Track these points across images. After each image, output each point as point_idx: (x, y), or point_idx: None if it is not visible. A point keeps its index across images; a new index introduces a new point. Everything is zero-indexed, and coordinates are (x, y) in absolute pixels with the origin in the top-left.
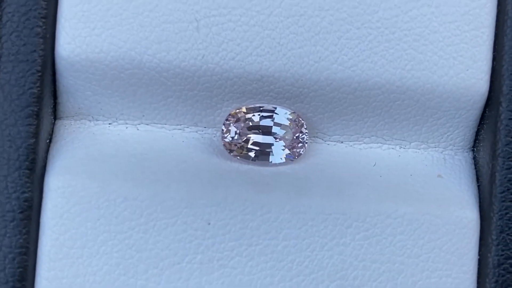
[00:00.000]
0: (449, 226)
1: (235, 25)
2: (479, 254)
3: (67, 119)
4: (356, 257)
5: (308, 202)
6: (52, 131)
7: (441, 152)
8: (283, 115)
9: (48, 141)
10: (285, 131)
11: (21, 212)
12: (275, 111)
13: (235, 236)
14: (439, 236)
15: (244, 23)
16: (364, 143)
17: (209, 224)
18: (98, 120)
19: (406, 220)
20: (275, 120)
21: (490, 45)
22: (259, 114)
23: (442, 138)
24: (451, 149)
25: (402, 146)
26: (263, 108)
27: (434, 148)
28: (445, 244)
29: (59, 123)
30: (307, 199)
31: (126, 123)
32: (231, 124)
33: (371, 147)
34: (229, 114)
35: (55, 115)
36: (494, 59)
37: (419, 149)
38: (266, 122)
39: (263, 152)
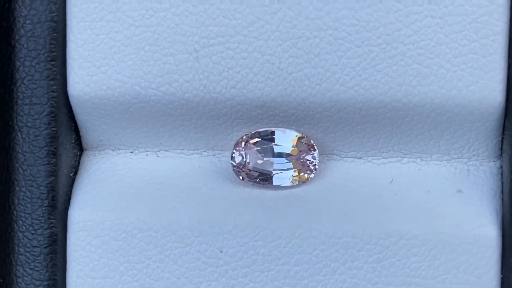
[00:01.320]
0: (466, 246)
1: (234, 52)
2: (502, 273)
3: (92, 149)
4: (369, 281)
5: (318, 226)
6: (79, 162)
7: (466, 163)
8: (291, 137)
9: (72, 174)
10: (294, 154)
11: (46, 247)
12: (284, 134)
13: (247, 262)
14: (456, 256)
15: (242, 50)
16: (383, 157)
17: (221, 251)
18: (120, 150)
19: (420, 241)
20: (283, 143)
21: (504, 52)
22: (267, 138)
23: (463, 149)
24: (476, 159)
25: (423, 159)
26: (271, 131)
27: (457, 159)
28: (462, 264)
29: (85, 153)
30: (317, 224)
31: (147, 151)
32: (240, 151)
33: (390, 162)
34: (237, 142)
35: (81, 147)
36: (510, 67)
37: (441, 161)
38: (276, 147)
39: (272, 176)
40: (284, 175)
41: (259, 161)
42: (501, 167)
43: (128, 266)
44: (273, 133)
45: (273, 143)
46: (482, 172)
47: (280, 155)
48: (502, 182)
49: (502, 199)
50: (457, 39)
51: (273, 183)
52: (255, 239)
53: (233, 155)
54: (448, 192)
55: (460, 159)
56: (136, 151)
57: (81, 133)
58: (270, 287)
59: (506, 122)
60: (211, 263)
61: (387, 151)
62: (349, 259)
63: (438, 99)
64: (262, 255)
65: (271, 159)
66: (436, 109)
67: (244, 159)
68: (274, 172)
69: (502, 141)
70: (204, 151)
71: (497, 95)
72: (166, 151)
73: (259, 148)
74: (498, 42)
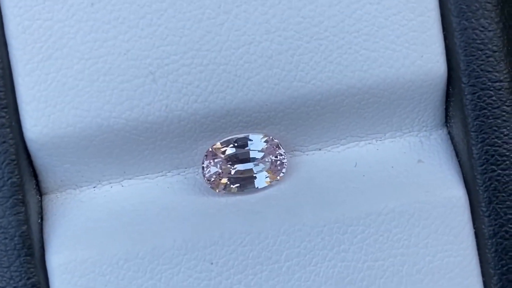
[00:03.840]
0: (439, 209)
1: (190, 68)
2: (474, 228)
3: (53, 193)
4: (358, 260)
5: (301, 220)
6: (41, 208)
7: (417, 135)
8: (257, 141)
9: (39, 220)
10: (263, 155)
11: None
12: (249, 138)
13: (239, 269)
14: (432, 220)
15: (198, 64)
16: (341, 145)
17: (211, 264)
18: (82, 187)
19: (397, 213)
20: (251, 148)
21: (439, 27)
22: (234, 145)
23: (414, 122)
24: (425, 130)
25: (378, 138)
26: (237, 138)
27: (409, 133)
28: (439, 226)
29: (46, 198)
30: (299, 218)
31: (110, 183)
32: (210, 162)
33: (348, 147)
34: (205, 153)
35: (40, 192)
36: (446, 38)
37: (394, 137)
38: (243, 151)
39: (246, 180)
40: (259, 178)
41: (235, 167)
42: (449, 133)
43: None
44: (243, 138)
45: (246, 148)
46: (434, 140)
47: (253, 159)
48: (454, 146)
49: (459, 161)
50: (396, 20)
51: (255, 186)
52: (242, 244)
53: (207, 168)
54: (409, 163)
55: (411, 133)
56: (99, 185)
57: (40, 178)
58: None
59: (450, 90)
60: (204, 277)
61: (345, 138)
62: (336, 244)
63: (389, 79)
64: (252, 258)
65: (245, 164)
66: (389, 89)
67: (217, 168)
68: (250, 176)
69: (446, 109)
70: (168, 172)
71: (440, 66)
72: (130, 179)
73: (233, 155)
74: (433, 18)
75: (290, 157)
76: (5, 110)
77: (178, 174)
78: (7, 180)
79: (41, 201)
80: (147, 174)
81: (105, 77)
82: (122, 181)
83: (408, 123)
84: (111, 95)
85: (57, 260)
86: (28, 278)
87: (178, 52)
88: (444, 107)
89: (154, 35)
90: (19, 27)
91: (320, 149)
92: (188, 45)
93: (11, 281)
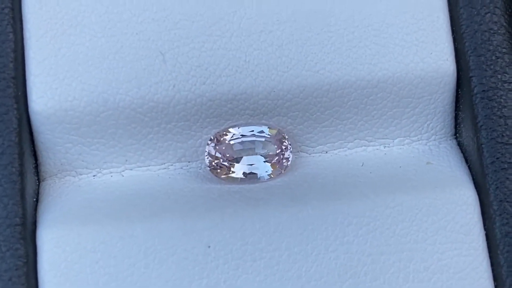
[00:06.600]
0: (449, 206)
1: (200, 51)
2: (485, 229)
3: (51, 178)
4: (363, 253)
5: (305, 207)
6: (38, 192)
7: (425, 144)
8: (263, 132)
9: (35, 199)
10: (268, 148)
11: (17, 269)
12: (254, 129)
13: (237, 254)
14: (441, 216)
15: (208, 48)
16: (348, 148)
17: (209, 247)
18: (82, 174)
19: (405, 207)
20: (256, 138)
21: (447, 27)
22: (239, 134)
23: (423, 128)
24: (435, 139)
25: (386, 145)
26: (243, 127)
27: (417, 141)
28: (448, 223)
29: (43, 184)
30: (303, 205)
31: (111, 172)
32: (213, 149)
33: (356, 152)
34: (210, 139)
35: (38, 177)
36: (455, 41)
37: (403, 144)
38: (248, 143)
39: (250, 171)
40: (263, 170)
41: (238, 158)
42: (459, 144)
43: (111, 277)
44: (247, 129)
45: (252, 138)
46: (443, 148)
47: (258, 150)
48: (464, 152)
49: (469, 164)
50: (406, 18)
51: (258, 177)
52: (242, 228)
53: (211, 152)
54: (418, 165)
55: (420, 141)
56: (100, 174)
57: (40, 160)
58: (264, 276)
59: (459, 92)
60: (200, 261)
61: (353, 141)
62: (340, 235)
63: (399, 73)
64: (251, 244)
65: (249, 157)
66: (398, 83)
67: (221, 155)
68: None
69: (455, 117)
70: (171, 165)
71: (450, 64)
72: (131, 170)
73: (237, 145)
74: (442, 18)
75: (296, 158)
76: (13, 80)
77: (181, 167)
78: (7, 147)
79: (38, 186)
80: (149, 166)
81: (115, 55)
82: (123, 171)
83: (417, 128)
84: (120, 72)
85: (49, 234)
86: (16, 249)
87: (190, 36)
88: (454, 115)
89: (167, 19)
90: (36, 2)
91: (326, 152)
92: (200, 30)
93: None
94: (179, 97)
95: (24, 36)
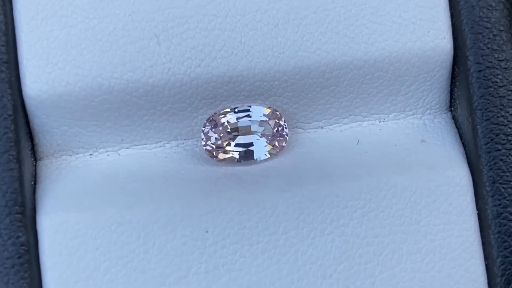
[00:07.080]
0: (442, 187)
1: (194, 32)
2: (477, 209)
3: (48, 158)
4: (358, 236)
5: (300, 191)
6: (35, 173)
7: (420, 118)
8: (259, 112)
9: (32, 183)
10: (264, 127)
11: (19, 257)
12: (251, 110)
13: (235, 238)
14: (435, 198)
15: (202, 29)
16: (344, 124)
17: (207, 232)
18: (78, 154)
19: (399, 189)
20: (252, 118)
21: (445, 4)
22: (235, 115)
23: (418, 103)
24: (429, 113)
25: (381, 119)
26: (238, 109)
27: (412, 116)
28: (441, 205)
29: (40, 164)
30: (299, 189)
31: (107, 151)
32: (210, 130)
33: (351, 127)
34: (206, 120)
35: (35, 157)
36: (453, 17)
37: (398, 119)
38: (244, 122)
39: (247, 151)
40: (259, 150)
41: (235, 138)
42: (453, 117)
43: (111, 263)
44: (245, 110)
45: (247, 119)
46: (438, 123)
47: (254, 131)
48: (459, 129)
49: (463, 142)
50: None
51: (254, 158)
52: (240, 213)
53: (208, 134)
54: (413, 143)
55: (415, 115)
56: (96, 153)
57: (36, 141)
58: (261, 259)
59: (455, 70)
60: (198, 246)
61: (348, 117)
62: (335, 218)
63: (395, 52)
64: (249, 228)
65: (246, 137)
66: (394, 63)
67: (217, 137)
68: (251, 148)
69: (451, 92)
70: (167, 143)
71: (447, 42)
72: (127, 148)
73: (233, 125)
74: None
75: (292, 134)
76: (6, 65)
77: (177, 145)
78: (3, 134)
79: (35, 166)
80: (145, 144)
81: (108, 37)
82: (119, 149)
83: (412, 103)
84: (114, 55)
85: (49, 221)
86: (18, 237)
87: (184, 16)
88: (449, 89)
89: None
90: None
91: (322, 127)
92: (194, 9)
93: (0, 239)
94: (174, 80)
95: (14, 18)
